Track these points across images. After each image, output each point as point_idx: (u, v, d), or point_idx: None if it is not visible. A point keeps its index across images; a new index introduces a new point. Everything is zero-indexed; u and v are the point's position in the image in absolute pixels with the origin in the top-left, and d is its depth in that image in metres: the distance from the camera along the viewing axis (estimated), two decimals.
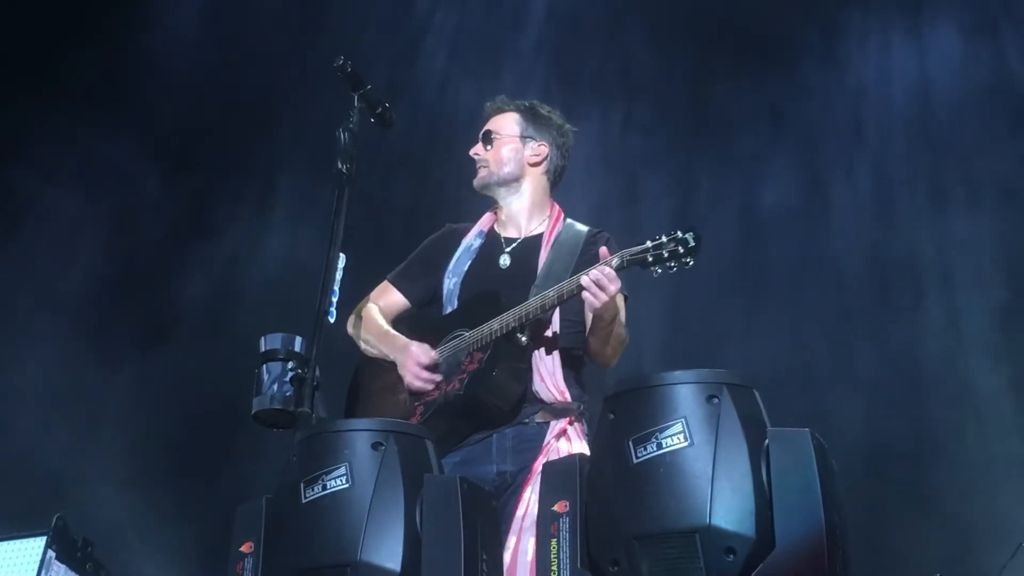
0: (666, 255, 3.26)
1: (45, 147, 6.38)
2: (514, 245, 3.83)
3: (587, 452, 3.45)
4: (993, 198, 5.35)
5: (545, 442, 3.50)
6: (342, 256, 3.33)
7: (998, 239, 5.28)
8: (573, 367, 3.69)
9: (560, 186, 3.98)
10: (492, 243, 3.88)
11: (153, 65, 6.73)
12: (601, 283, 3.35)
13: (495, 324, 3.55)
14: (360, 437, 2.75)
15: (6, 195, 6.24)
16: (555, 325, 3.65)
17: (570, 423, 3.57)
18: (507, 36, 6.11)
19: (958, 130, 5.53)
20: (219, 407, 5.40)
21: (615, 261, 3.36)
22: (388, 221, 5.70)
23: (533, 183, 3.90)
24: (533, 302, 3.51)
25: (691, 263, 3.25)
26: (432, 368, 3.66)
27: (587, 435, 3.59)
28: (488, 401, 3.52)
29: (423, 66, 6.26)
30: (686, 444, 2.50)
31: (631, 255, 3.34)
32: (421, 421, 3.55)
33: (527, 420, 3.56)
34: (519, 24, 6.19)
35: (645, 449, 2.53)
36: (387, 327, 3.86)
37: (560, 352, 3.64)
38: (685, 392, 2.57)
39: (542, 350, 3.62)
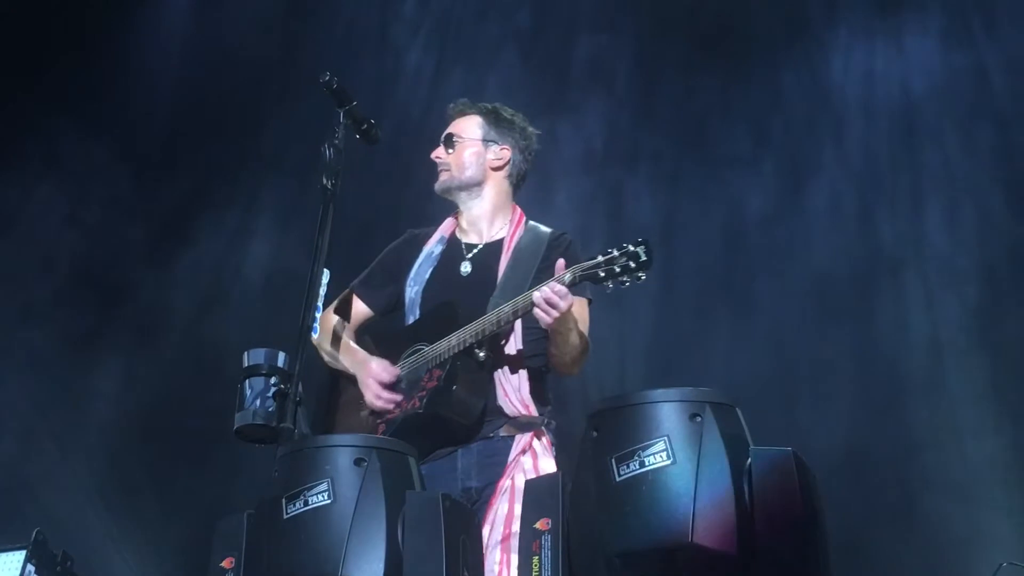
0: (618, 270, 3.25)
1: (27, 154, 6.37)
2: (475, 251, 3.80)
3: (554, 466, 3.49)
4: (971, 205, 5.35)
5: (511, 458, 3.48)
6: (326, 272, 3.33)
7: (977, 245, 5.28)
8: (538, 379, 3.66)
9: (523, 189, 3.95)
10: (453, 249, 3.85)
11: (138, 72, 6.73)
12: (551, 301, 3.32)
13: (453, 340, 3.52)
14: (342, 453, 2.75)
15: None
16: (517, 337, 3.62)
17: (536, 437, 3.54)
18: (494, 49, 6.10)
19: (936, 134, 5.53)
20: (200, 420, 5.39)
21: (567, 277, 3.34)
22: (371, 231, 5.68)
23: (495, 187, 3.87)
24: (490, 318, 3.47)
25: (643, 277, 3.24)
26: (392, 387, 3.63)
27: (554, 448, 3.58)
28: (448, 418, 3.48)
29: (409, 73, 6.25)
30: (669, 462, 2.51)
31: (583, 270, 3.32)
32: None
33: (491, 434, 3.53)
34: (505, 36, 6.18)
35: (628, 467, 2.55)
36: (348, 340, 3.83)
37: (524, 364, 3.61)
38: (668, 410, 2.59)
39: (505, 363, 3.59)
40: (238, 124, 6.48)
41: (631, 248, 3.25)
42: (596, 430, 2.67)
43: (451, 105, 3.99)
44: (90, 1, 6.68)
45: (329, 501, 2.67)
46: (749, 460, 2.53)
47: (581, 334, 3.57)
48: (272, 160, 6.29)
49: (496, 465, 3.48)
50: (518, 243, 3.76)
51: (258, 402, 3.07)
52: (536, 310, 3.35)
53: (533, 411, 3.58)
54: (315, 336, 3.84)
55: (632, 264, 3.23)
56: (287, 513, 2.69)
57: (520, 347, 3.63)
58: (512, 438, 3.53)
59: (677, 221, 5.66)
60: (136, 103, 6.59)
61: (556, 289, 3.32)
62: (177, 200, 6.41)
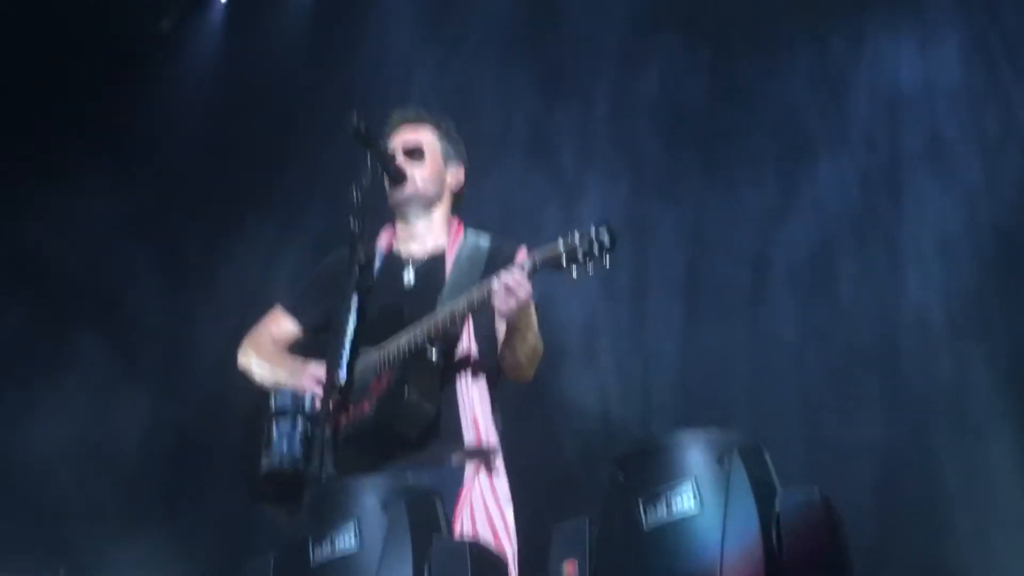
0: (580, 255, 3.11)
1: (54, 194, 6.44)
2: (418, 264, 3.67)
3: (507, 488, 3.39)
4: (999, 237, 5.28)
5: (464, 486, 3.36)
6: (354, 315, 3.33)
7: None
8: (492, 387, 3.52)
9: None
10: (393, 262, 3.70)
11: (165, 110, 6.82)
12: (511, 287, 3.19)
13: (403, 340, 3.37)
14: (369, 495, 2.75)
15: (17, 250, 6.30)
16: (470, 340, 3.49)
17: (487, 467, 3.40)
18: (521, 94, 6.11)
19: (964, 153, 5.44)
20: (226, 456, 5.40)
21: (527, 264, 3.21)
22: None
23: (445, 205, 3.76)
24: (442, 312, 3.35)
25: (607, 263, 3.12)
26: None
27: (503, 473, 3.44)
28: (400, 423, 3.32)
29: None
30: (696, 507, 2.51)
31: (543, 256, 3.19)
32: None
33: (444, 460, 3.39)
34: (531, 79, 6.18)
35: (655, 511, 2.54)
36: (281, 351, 3.67)
37: (478, 367, 3.48)
38: (695, 453, 2.58)
39: (460, 374, 3.46)
40: (266, 160, 6.53)
41: (593, 231, 3.13)
42: (623, 473, 2.66)
43: (399, 111, 3.84)
44: (117, 41, 6.76)
45: (356, 547, 2.65)
46: (777, 503, 2.52)
47: (538, 337, 3.47)
48: (299, 199, 6.33)
49: (448, 497, 3.25)
50: (459, 251, 3.65)
51: (284, 444, 3.07)
52: (496, 298, 3.21)
53: (489, 435, 3.43)
54: (241, 358, 3.70)
55: (596, 248, 3.11)
56: (314, 559, 2.69)
57: (473, 350, 3.49)
58: (462, 468, 3.39)
59: (703, 251, 5.61)
60: (164, 141, 6.66)
61: (515, 276, 3.20)
62: (203, 237, 6.46)
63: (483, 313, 3.38)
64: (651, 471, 2.60)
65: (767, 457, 2.64)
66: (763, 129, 5.70)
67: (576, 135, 5.94)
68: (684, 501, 2.53)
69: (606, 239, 3.10)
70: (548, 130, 5.95)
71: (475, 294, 3.31)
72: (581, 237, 3.13)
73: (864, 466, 4.94)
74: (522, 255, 3.31)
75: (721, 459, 2.56)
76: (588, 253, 3.12)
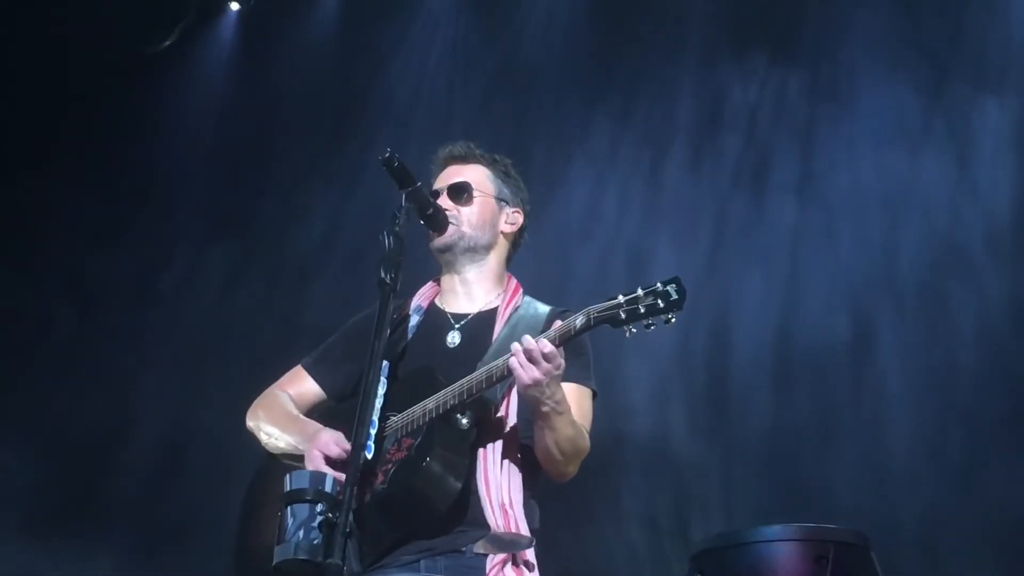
0: (643, 310, 3.13)
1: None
2: (464, 321, 3.68)
3: None
4: None
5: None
6: (384, 380, 3.32)
7: None
8: (531, 469, 3.48)
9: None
10: (435, 319, 3.71)
11: (168, 136, 7.04)
12: (532, 355, 3.18)
13: (430, 403, 3.37)
14: None
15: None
16: (510, 419, 3.47)
17: (512, 560, 3.33)
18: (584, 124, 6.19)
19: None
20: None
21: (579, 321, 3.20)
22: None
23: (499, 254, 3.79)
24: (477, 375, 3.34)
25: (673, 320, 3.12)
26: (342, 465, 3.33)
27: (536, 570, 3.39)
28: (417, 499, 3.27)
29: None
30: None
31: (599, 312, 3.18)
32: None
33: (463, 548, 3.32)
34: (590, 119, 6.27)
35: None
36: (297, 413, 3.66)
37: (514, 455, 3.45)
38: (787, 552, 2.59)
39: (493, 451, 3.43)
40: (282, 189, 6.72)
41: (659, 287, 3.15)
42: (701, 573, 2.66)
43: (446, 148, 3.87)
44: (117, 56, 7.00)
45: None
46: None
47: (577, 426, 3.42)
48: (322, 240, 6.46)
49: None
50: (514, 312, 3.67)
51: (301, 533, 3.06)
52: (512, 361, 3.21)
53: (519, 526, 3.38)
54: (250, 420, 3.69)
55: (661, 303, 3.13)
56: None
57: (513, 426, 3.47)
58: (486, 557, 3.32)
59: (795, 315, 5.60)
60: (174, 170, 6.92)
61: (541, 343, 3.20)
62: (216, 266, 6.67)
63: None
64: (734, 572, 2.60)
65: (874, 557, 2.64)
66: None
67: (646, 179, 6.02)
68: None
69: (674, 294, 3.12)
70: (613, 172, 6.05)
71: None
72: (645, 292, 3.15)
73: (993, 565, 4.87)
74: (556, 324, 3.30)
75: (819, 559, 2.55)
76: (652, 308, 3.14)
